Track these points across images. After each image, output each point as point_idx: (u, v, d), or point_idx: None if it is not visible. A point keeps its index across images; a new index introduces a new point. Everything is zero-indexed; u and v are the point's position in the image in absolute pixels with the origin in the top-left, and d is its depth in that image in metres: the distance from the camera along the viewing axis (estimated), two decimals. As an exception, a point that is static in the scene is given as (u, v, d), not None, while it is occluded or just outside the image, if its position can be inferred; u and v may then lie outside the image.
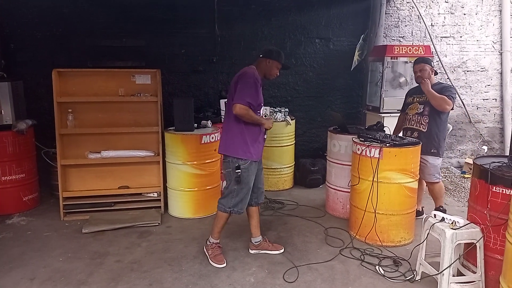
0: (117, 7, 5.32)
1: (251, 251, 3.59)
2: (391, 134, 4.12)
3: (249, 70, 3.28)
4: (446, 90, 3.97)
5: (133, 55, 5.29)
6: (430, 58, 4.24)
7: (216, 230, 3.45)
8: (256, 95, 3.21)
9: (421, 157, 3.96)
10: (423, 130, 4.03)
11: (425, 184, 4.39)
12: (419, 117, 4.08)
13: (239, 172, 3.26)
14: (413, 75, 5.16)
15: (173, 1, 5.38)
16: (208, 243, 3.49)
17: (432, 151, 4.03)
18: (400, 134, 4.36)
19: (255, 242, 3.60)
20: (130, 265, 3.37)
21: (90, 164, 4.44)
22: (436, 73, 4.18)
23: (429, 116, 4.01)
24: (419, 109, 4.10)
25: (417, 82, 4.16)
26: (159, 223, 4.19)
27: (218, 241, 3.48)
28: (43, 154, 4.80)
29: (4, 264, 3.36)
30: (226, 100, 3.61)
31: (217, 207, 3.43)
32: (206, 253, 3.48)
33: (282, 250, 3.61)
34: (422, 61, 4.09)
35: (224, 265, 3.36)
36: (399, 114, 4.52)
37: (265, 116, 4.67)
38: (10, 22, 5.17)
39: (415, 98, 4.19)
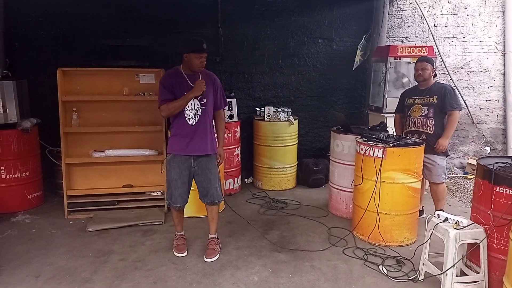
0: (120, 6, 5.33)
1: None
2: (395, 134, 4.11)
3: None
4: (449, 99, 3.89)
5: (137, 54, 5.29)
6: (433, 58, 4.24)
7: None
8: (165, 92, 3.33)
9: (429, 158, 3.96)
10: (430, 132, 3.97)
11: (426, 184, 4.39)
12: (424, 120, 4.01)
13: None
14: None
15: (176, 1, 5.39)
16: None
17: None
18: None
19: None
20: (134, 264, 3.39)
21: (94, 163, 4.47)
22: (435, 75, 4.13)
23: (434, 117, 3.97)
24: (423, 111, 4.03)
25: (416, 81, 4.14)
26: (162, 222, 4.21)
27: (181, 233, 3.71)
28: (47, 152, 4.83)
29: (9, 262, 3.38)
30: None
31: None
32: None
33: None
34: (425, 60, 4.06)
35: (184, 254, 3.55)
36: (394, 115, 4.49)
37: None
38: (15, 21, 5.18)
39: (416, 99, 4.11)
